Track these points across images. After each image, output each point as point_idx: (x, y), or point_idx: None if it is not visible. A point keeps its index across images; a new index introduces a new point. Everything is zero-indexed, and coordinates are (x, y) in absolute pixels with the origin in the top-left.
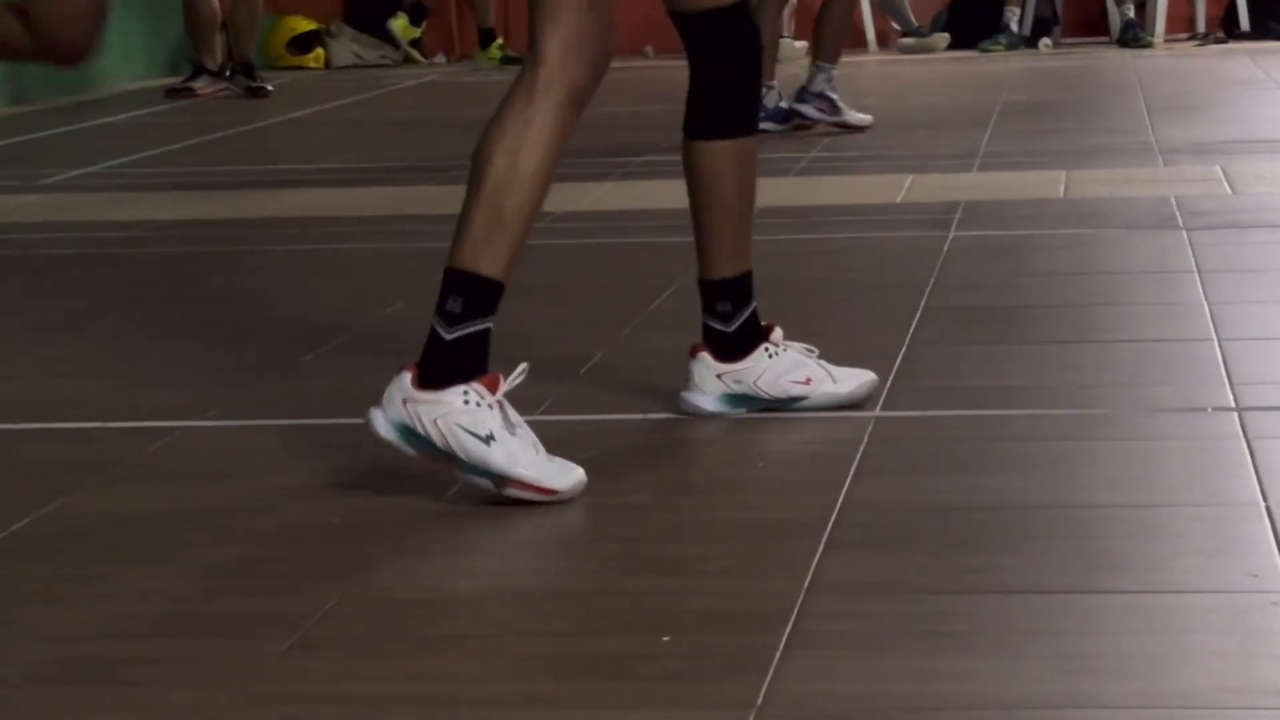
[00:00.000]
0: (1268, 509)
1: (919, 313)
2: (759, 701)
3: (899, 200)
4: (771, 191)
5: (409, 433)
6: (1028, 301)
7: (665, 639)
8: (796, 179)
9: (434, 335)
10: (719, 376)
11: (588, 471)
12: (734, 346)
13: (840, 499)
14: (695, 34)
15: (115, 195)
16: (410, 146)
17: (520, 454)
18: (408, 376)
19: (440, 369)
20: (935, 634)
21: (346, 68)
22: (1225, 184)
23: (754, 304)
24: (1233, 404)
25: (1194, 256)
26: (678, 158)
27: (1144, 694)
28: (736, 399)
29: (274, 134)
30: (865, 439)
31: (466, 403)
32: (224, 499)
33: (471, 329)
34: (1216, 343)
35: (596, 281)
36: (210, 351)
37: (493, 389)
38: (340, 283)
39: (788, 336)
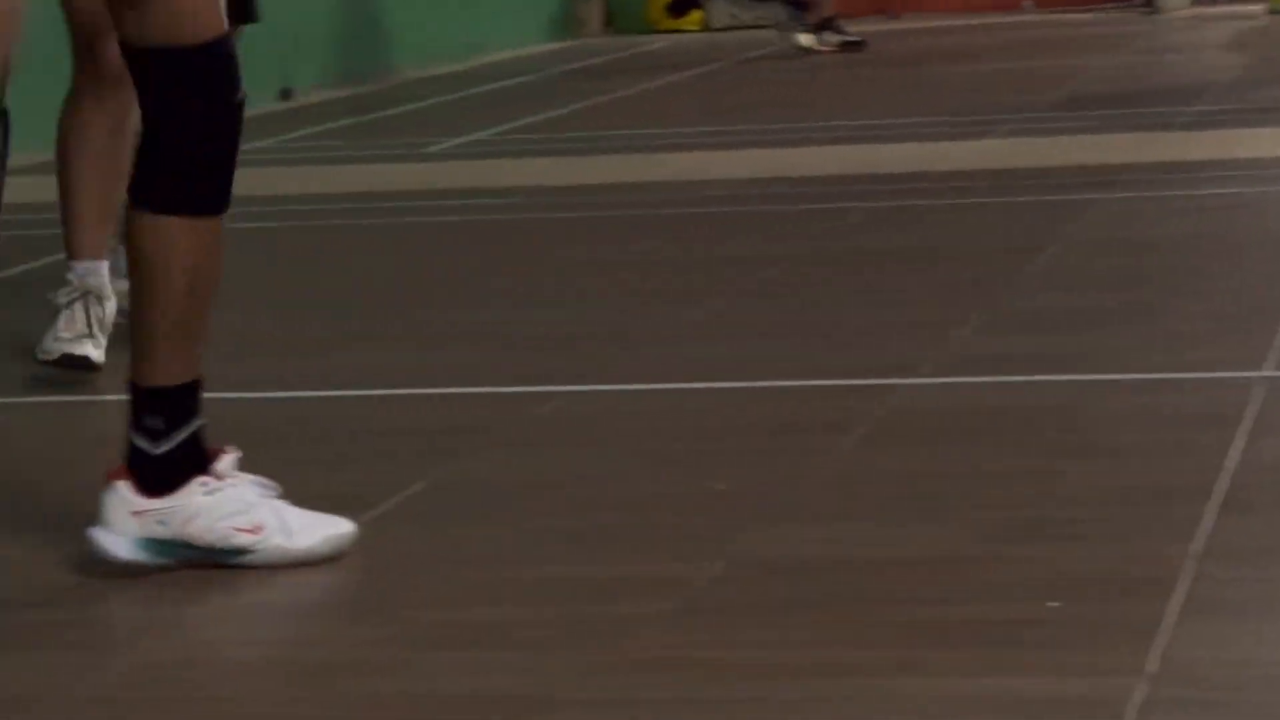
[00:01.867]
0: None
1: None
2: (1149, 669)
3: None
4: (1160, 146)
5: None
6: None
7: (1051, 605)
8: (1181, 133)
9: None
10: (136, 513)
11: (939, 427)
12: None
13: (1230, 462)
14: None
15: (498, 162)
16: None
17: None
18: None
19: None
20: None
21: (724, 29)
22: None
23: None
24: None
25: None
26: (1047, 113)
27: None
28: (160, 545)
29: (656, 98)
30: (1251, 401)
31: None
32: (601, 462)
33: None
34: None
35: (973, 241)
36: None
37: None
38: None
39: (1157, 303)
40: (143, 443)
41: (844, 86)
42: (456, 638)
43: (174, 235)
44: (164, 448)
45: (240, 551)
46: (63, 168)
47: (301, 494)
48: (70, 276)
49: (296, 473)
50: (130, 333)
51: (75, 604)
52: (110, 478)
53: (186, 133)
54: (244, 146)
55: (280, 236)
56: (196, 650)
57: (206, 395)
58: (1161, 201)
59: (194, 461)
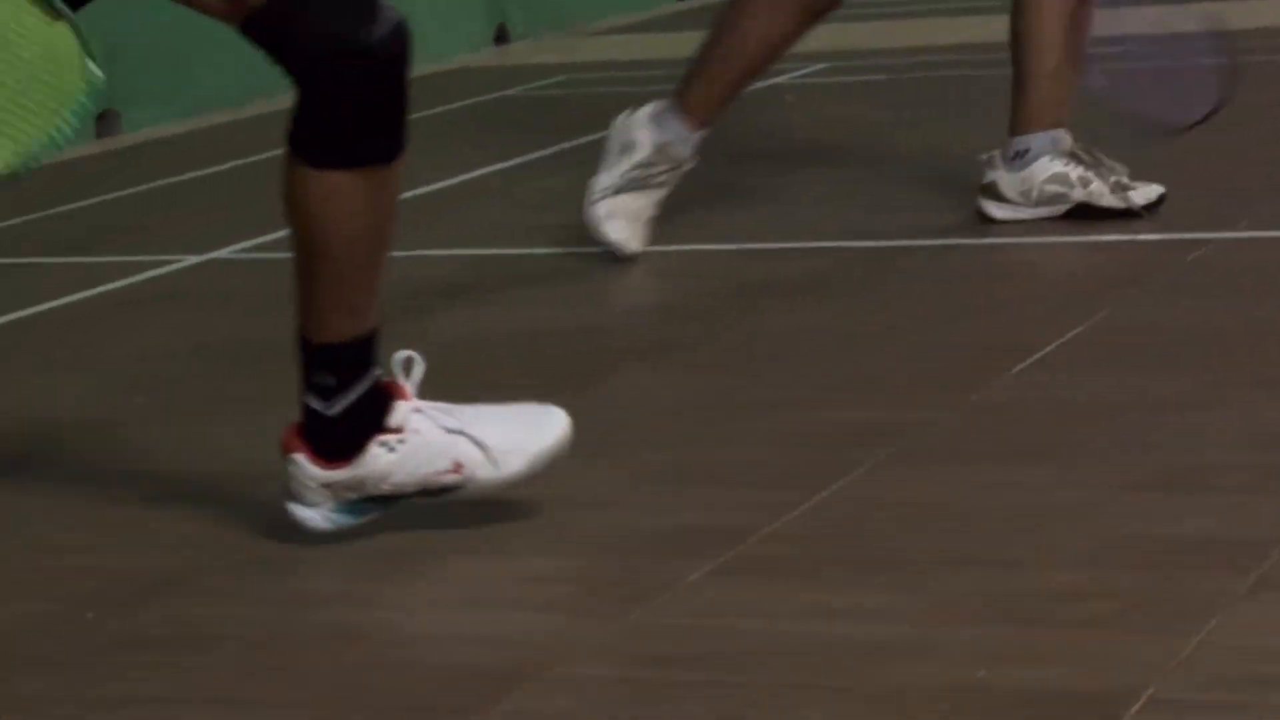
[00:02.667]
0: None
1: None
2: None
3: None
4: None
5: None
6: None
7: None
8: None
9: None
10: (325, 485)
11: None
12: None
13: None
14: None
15: None
16: None
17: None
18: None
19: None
20: None
21: None
22: None
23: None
24: None
25: None
26: None
27: None
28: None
29: None
30: None
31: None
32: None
33: None
34: None
35: None
36: None
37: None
38: None
39: None
40: (316, 403)
41: None
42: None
43: (339, 187)
44: (338, 407)
45: (447, 490)
46: None
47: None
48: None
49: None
50: (295, 287)
51: None
52: (287, 449)
53: (331, 86)
54: None
55: None
56: None
57: None
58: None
59: (371, 419)
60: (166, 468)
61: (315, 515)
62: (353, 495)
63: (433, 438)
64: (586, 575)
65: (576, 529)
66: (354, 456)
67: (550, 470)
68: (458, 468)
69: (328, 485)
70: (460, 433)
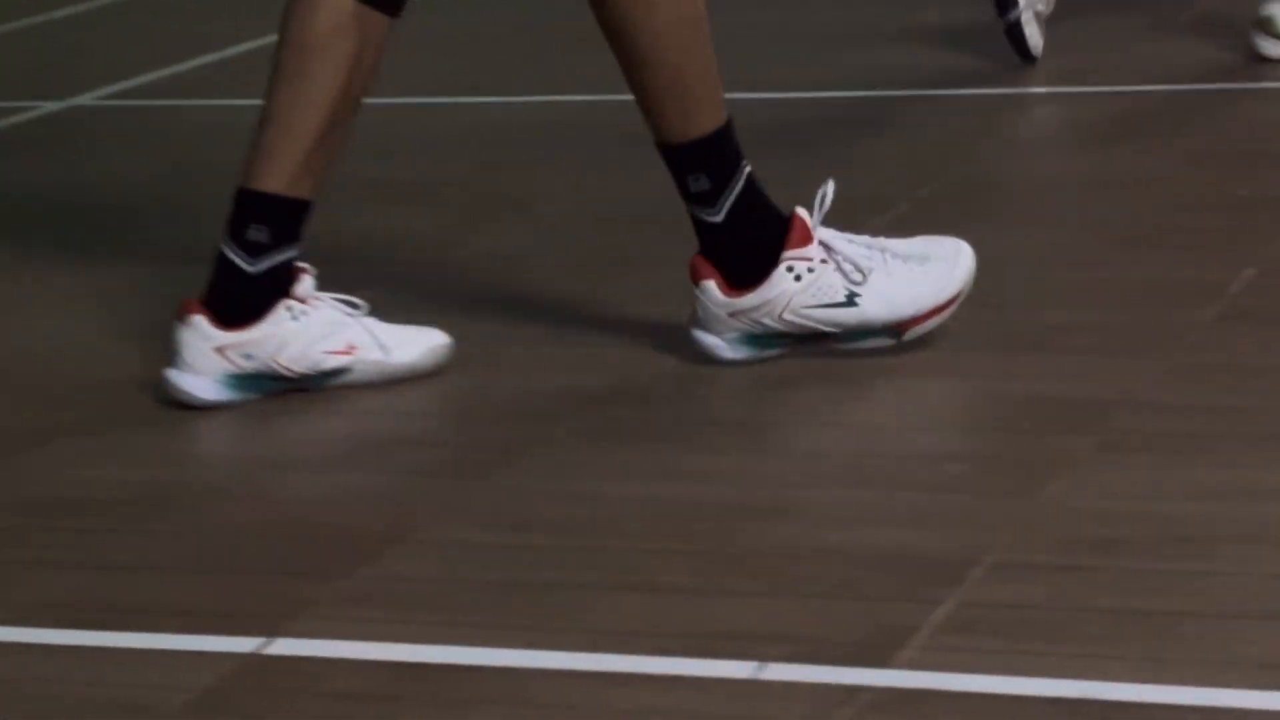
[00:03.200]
0: None
1: None
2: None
3: None
4: None
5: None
6: None
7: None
8: None
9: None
10: (219, 349)
11: None
12: None
13: None
14: None
15: None
16: None
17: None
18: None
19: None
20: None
21: None
22: None
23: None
24: None
25: None
26: None
27: None
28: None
29: None
30: None
31: (797, 278)
32: None
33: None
34: None
35: None
36: None
37: (806, 240)
38: None
39: None
40: (239, 259)
41: None
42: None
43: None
44: (262, 266)
45: (335, 373)
46: None
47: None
48: None
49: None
50: (254, 135)
51: None
52: (185, 310)
53: None
54: None
55: None
56: None
57: None
58: None
59: (281, 285)
60: (41, 324)
61: (202, 383)
62: (247, 365)
63: (333, 315)
64: (455, 440)
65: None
66: (256, 321)
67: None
68: (350, 349)
69: (221, 349)
70: (359, 319)
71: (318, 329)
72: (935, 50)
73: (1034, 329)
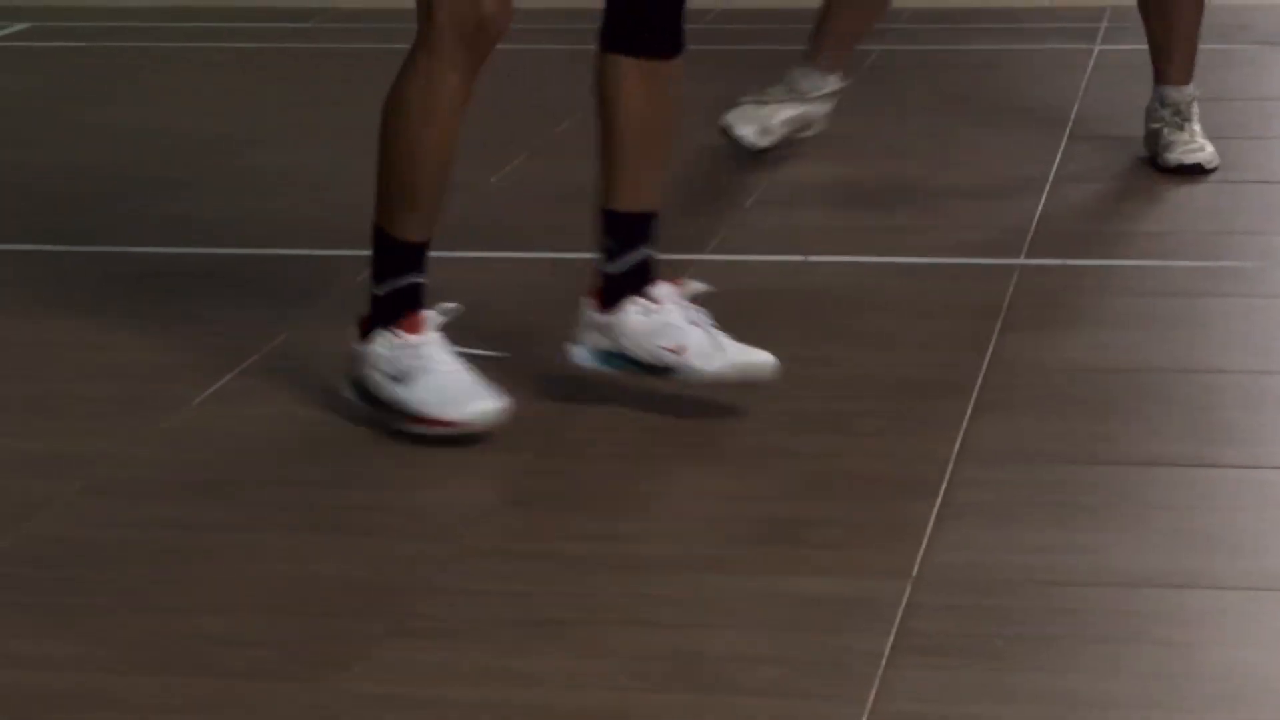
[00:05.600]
0: None
1: (1063, 143)
2: (914, 572)
3: (1048, 4)
4: None
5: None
6: None
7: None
8: None
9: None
10: (591, 326)
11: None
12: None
13: (985, 359)
14: None
15: None
16: None
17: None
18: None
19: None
20: (1068, 505)
21: None
22: None
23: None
24: None
25: None
26: None
27: (1256, 573)
28: (607, 355)
29: None
30: (1011, 290)
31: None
32: None
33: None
34: None
35: None
36: None
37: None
38: None
39: (937, 165)
40: (600, 260)
41: None
42: None
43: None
44: (612, 268)
45: (667, 369)
46: None
47: None
48: None
49: None
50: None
51: None
52: (587, 294)
53: None
54: None
55: None
56: None
57: None
58: (922, 54)
59: (635, 284)
60: None
61: (579, 351)
62: (603, 343)
63: (673, 319)
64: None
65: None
66: (612, 308)
67: None
68: (680, 349)
69: (592, 326)
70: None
71: (654, 326)
72: None
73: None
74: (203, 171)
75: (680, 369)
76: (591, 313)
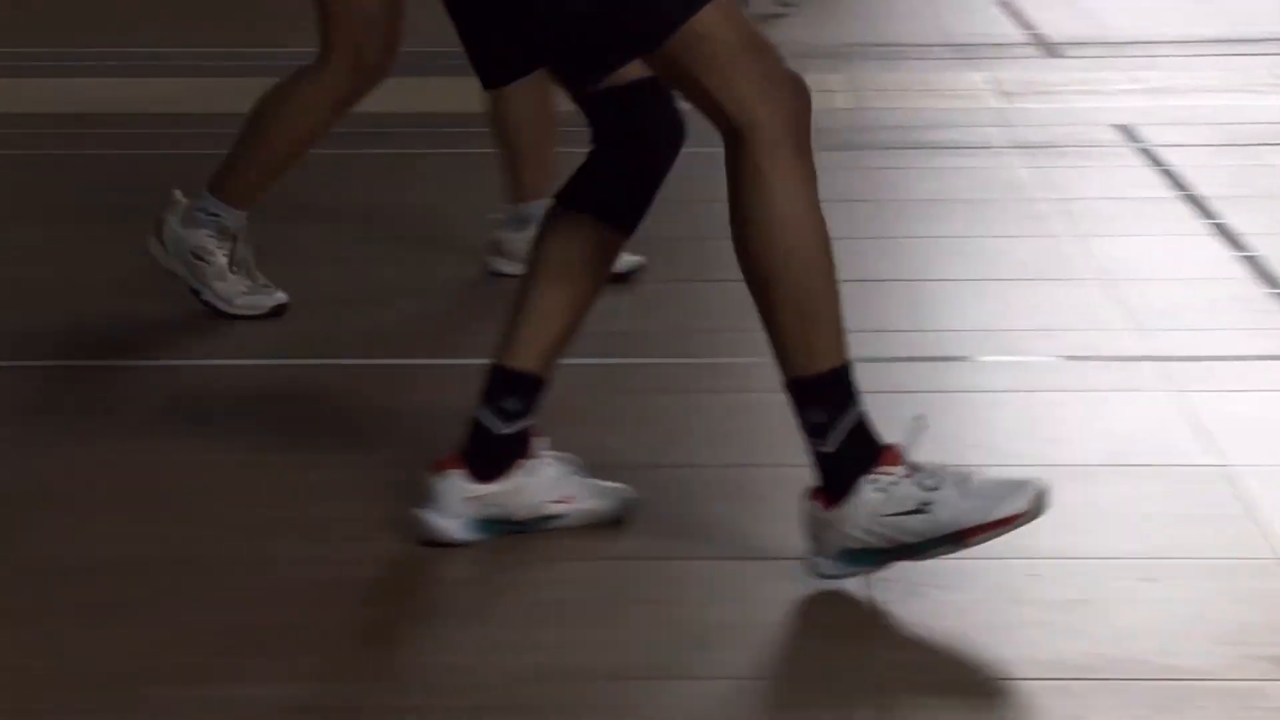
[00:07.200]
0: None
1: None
2: (388, 674)
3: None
4: None
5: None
6: (652, 234)
7: None
8: None
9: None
10: (470, 499)
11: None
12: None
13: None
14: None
15: None
16: None
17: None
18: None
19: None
20: (541, 603)
21: None
22: (848, 96)
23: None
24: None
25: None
26: None
27: (726, 665)
28: (489, 523)
29: None
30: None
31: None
32: None
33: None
34: None
35: None
36: None
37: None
38: None
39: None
40: (492, 421)
41: None
42: None
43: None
44: (511, 429)
45: (553, 518)
46: None
47: None
48: None
49: None
50: (515, 322)
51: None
52: (442, 466)
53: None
54: None
55: None
56: None
57: None
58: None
59: (523, 448)
60: None
61: (453, 525)
62: (493, 512)
63: (554, 471)
64: None
65: None
66: (502, 476)
67: None
68: (568, 499)
69: (472, 499)
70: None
71: (547, 483)
72: None
73: None
74: None
75: (569, 515)
76: (466, 484)
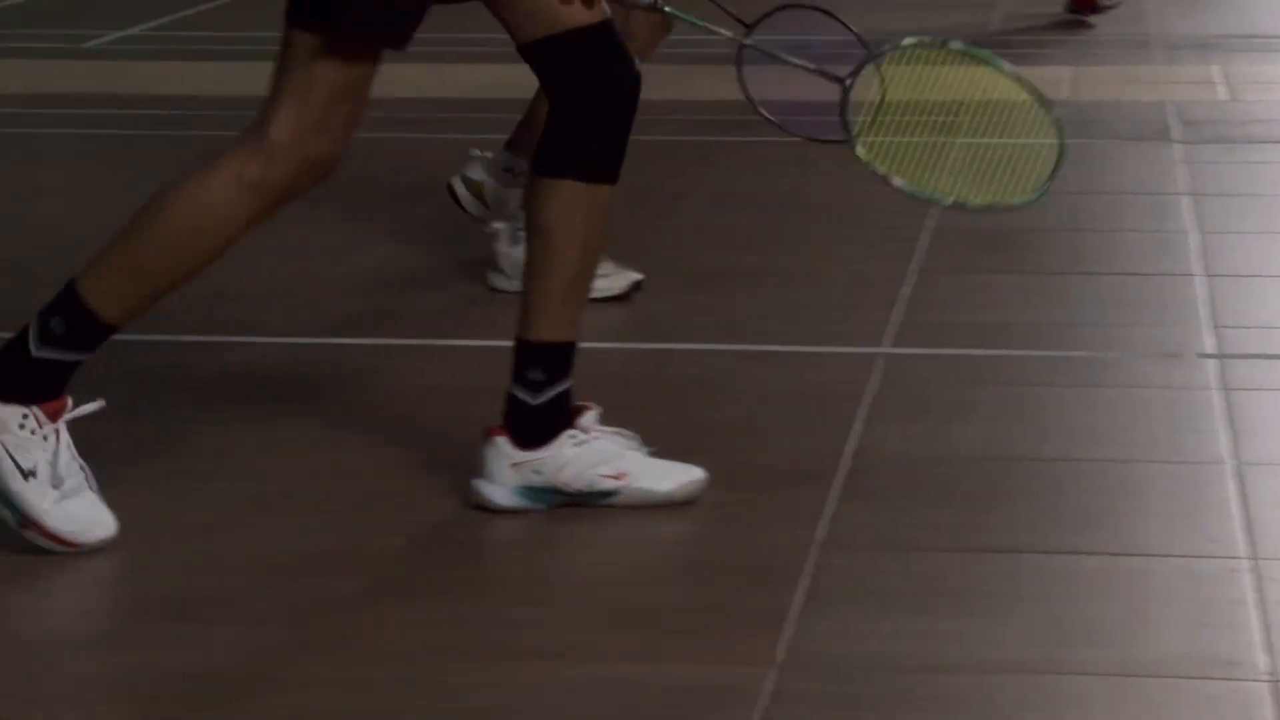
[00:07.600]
0: (1237, 467)
1: (921, 236)
2: (779, 659)
3: None
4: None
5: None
6: (1024, 225)
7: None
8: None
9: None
10: (514, 465)
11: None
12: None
13: (848, 446)
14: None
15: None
16: None
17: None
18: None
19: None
20: (933, 593)
21: None
22: (1223, 88)
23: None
24: (1215, 350)
25: (1190, 176)
26: None
27: (1113, 661)
28: (535, 492)
29: None
30: (872, 378)
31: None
32: None
33: None
34: (1206, 279)
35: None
36: None
37: (54, 416)
38: None
39: (791, 267)
40: (524, 394)
41: None
42: None
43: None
44: (542, 399)
45: (606, 494)
46: None
47: None
48: None
49: None
50: (524, 292)
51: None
52: (489, 434)
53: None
54: None
55: None
56: None
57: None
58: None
59: (564, 416)
60: None
61: (500, 492)
62: (536, 479)
63: (610, 446)
64: None
65: None
66: (544, 445)
67: None
68: (621, 475)
69: (516, 465)
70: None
71: (595, 456)
72: None
73: None
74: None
75: (623, 492)
76: (510, 450)
